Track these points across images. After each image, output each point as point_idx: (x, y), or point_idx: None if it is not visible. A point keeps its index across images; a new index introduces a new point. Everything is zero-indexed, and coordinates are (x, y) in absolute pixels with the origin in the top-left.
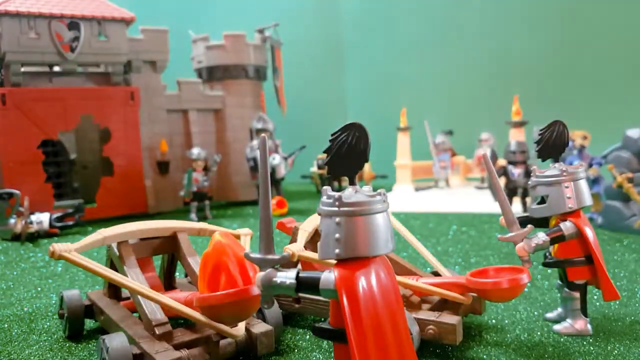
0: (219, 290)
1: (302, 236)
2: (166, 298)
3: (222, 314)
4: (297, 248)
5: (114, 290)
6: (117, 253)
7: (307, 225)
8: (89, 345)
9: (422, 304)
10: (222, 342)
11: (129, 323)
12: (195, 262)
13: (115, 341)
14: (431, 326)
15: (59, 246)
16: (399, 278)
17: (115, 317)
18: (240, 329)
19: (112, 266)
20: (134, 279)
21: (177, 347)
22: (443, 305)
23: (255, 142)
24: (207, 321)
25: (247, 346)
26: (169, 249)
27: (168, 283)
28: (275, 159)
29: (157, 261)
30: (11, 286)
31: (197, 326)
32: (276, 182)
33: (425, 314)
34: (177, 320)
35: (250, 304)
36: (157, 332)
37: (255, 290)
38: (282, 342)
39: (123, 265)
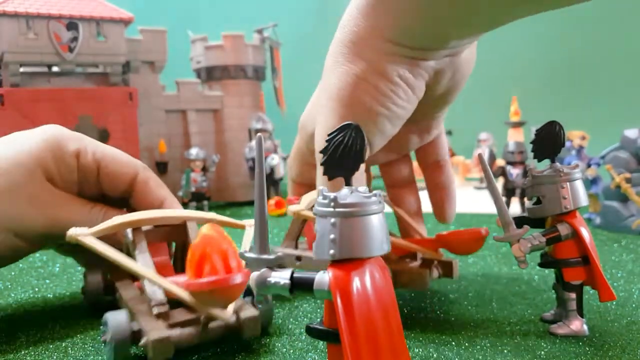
0: (203, 277)
1: (306, 199)
2: (163, 281)
3: (206, 298)
4: (297, 208)
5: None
6: (131, 238)
7: (314, 193)
8: (85, 346)
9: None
10: (212, 324)
11: (135, 302)
12: None
13: (117, 317)
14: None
15: (76, 230)
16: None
17: (125, 295)
18: (229, 312)
19: (128, 251)
20: (142, 263)
21: (172, 326)
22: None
23: (254, 143)
24: (196, 304)
25: (235, 329)
26: (178, 237)
27: (180, 267)
28: (275, 159)
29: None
30: (9, 286)
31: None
32: (274, 183)
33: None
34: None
35: (230, 291)
36: (154, 311)
37: (236, 279)
38: (277, 343)
39: (134, 250)
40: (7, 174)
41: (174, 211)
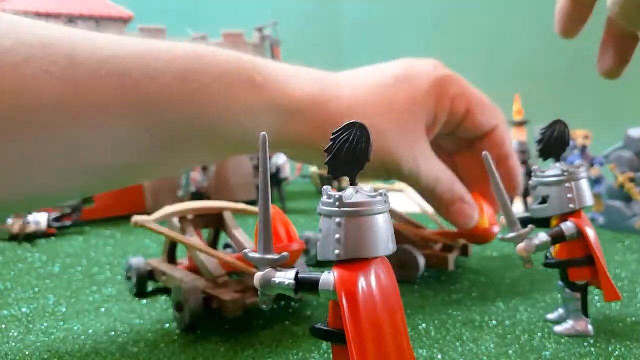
0: None
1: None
2: (226, 255)
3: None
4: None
5: (172, 257)
6: (179, 226)
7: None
8: (86, 347)
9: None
10: None
11: (190, 279)
12: (239, 234)
13: (189, 285)
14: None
15: (140, 218)
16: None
17: (178, 275)
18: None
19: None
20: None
21: (236, 292)
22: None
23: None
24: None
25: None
26: (216, 225)
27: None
28: (281, 159)
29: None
30: (9, 287)
31: (245, 279)
32: (279, 182)
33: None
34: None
35: (292, 257)
36: (219, 282)
37: (295, 246)
38: (281, 343)
39: (185, 235)
40: (400, 119)
41: (213, 202)
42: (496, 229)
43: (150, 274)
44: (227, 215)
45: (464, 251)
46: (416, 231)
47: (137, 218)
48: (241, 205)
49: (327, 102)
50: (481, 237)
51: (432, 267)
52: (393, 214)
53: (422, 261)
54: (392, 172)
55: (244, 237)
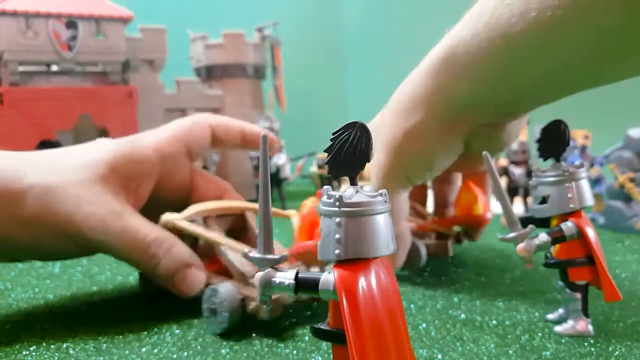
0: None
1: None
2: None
3: (313, 258)
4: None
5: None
6: (202, 225)
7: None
8: (87, 346)
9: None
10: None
11: (218, 280)
12: None
13: (228, 287)
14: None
15: (169, 216)
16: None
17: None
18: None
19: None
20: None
21: None
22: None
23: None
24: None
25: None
26: (238, 225)
27: None
28: (282, 159)
29: None
30: (9, 287)
31: None
32: (279, 182)
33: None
34: None
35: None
36: (251, 281)
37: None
38: (281, 343)
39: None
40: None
41: (235, 202)
42: (489, 215)
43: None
44: (250, 215)
45: (458, 238)
46: (413, 221)
47: (166, 217)
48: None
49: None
50: (476, 222)
51: (432, 255)
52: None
53: (423, 250)
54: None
55: None
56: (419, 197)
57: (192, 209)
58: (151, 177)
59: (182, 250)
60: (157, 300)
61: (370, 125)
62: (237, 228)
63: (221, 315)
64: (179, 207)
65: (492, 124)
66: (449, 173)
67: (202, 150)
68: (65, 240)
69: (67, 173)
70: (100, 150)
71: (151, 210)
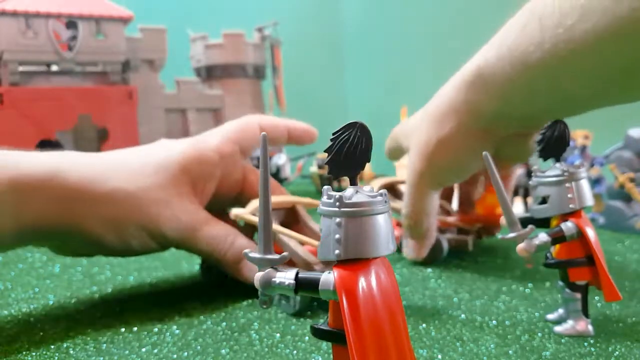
0: None
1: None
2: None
3: None
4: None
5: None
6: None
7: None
8: (87, 346)
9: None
10: None
11: (283, 266)
12: (314, 225)
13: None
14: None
15: (237, 210)
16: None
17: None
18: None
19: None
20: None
21: None
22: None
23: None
24: None
25: None
26: (289, 218)
27: None
28: (282, 159)
29: None
30: (9, 287)
31: None
32: (279, 182)
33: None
34: None
35: None
36: (316, 269)
37: None
38: (281, 343)
39: None
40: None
41: (286, 197)
42: None
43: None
44: (300, 209)
45: (479, 234)
46: (437, 217)
47: (235, 211)
48: (308, 200)
49: (66, 175)
50: (496, 221)
51: (453, 248)
52: None
53: (445, 244)
54: (155, 237)
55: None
56: (445, 194)
57: (255, 204)
58: (215, 178)
59: (244, 242)
60: (218, 287)
61: (407, 124)
62: (288, 221)
63: (293, 299)
64: (233, 201)
65: (519, 134)
66: (475, 175)
67: (254, 148)
68: (147, 239)
69: (147, 176)
70: (171, 152)
71: (213, 205)
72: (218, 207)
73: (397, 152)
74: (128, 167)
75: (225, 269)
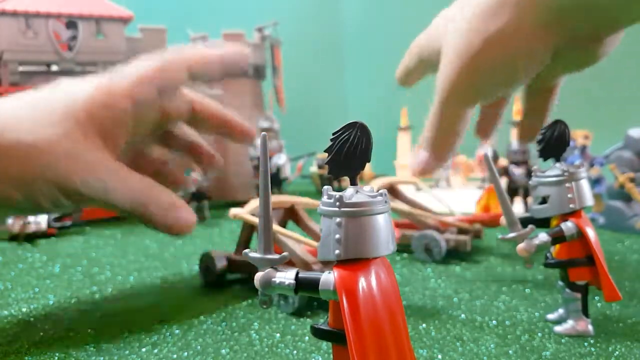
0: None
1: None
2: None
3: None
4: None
5: (245, 249)
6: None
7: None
8: (87, 346)
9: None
10: None
11: (282, 266)
12: (313, 224)
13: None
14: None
15: (236, 210)
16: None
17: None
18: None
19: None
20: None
21: None
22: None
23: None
24: None
25: None
26: (288, 217)
27: None
28: (282, 159)
29: None
30: (9, 287)
31: None
32: (279, 182)
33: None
34: None
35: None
36: (314, 269)
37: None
38: (281, 343)
39: None
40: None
41: (285, 197)
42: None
43: (229, 267)
44: (300, 209)
45: (477, 235)
46: (437, 218)
47: (234, 211)
48: (306, 200)
49: None
50: (494, 221)
51: (452, 249)
52: (414, 204)
53: (443, 244)
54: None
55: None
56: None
57: (254, 204)
58: (126, 125)
59: (169, 194)
60: (217, 287)
61: (436, 27)
62: (289, 219)
63: (291, 298)
64: (159, 138)
65: (589, 36)
66: (502, 100)
67: (177, 89)
68: (60, 196)
69: (50, 126)
70: (76, 97)
71: (127, 152)
72: (135, 150)
73: (413, 73)
74: (28, 116)
75: (149, 224)
